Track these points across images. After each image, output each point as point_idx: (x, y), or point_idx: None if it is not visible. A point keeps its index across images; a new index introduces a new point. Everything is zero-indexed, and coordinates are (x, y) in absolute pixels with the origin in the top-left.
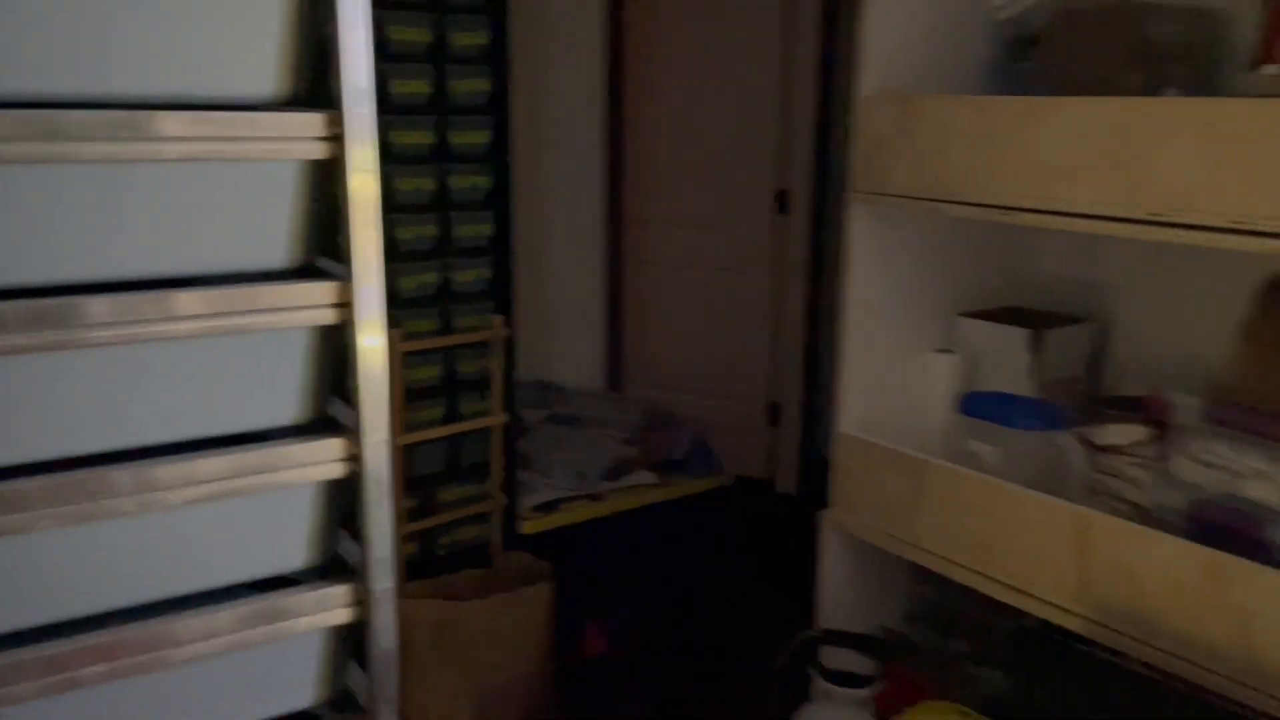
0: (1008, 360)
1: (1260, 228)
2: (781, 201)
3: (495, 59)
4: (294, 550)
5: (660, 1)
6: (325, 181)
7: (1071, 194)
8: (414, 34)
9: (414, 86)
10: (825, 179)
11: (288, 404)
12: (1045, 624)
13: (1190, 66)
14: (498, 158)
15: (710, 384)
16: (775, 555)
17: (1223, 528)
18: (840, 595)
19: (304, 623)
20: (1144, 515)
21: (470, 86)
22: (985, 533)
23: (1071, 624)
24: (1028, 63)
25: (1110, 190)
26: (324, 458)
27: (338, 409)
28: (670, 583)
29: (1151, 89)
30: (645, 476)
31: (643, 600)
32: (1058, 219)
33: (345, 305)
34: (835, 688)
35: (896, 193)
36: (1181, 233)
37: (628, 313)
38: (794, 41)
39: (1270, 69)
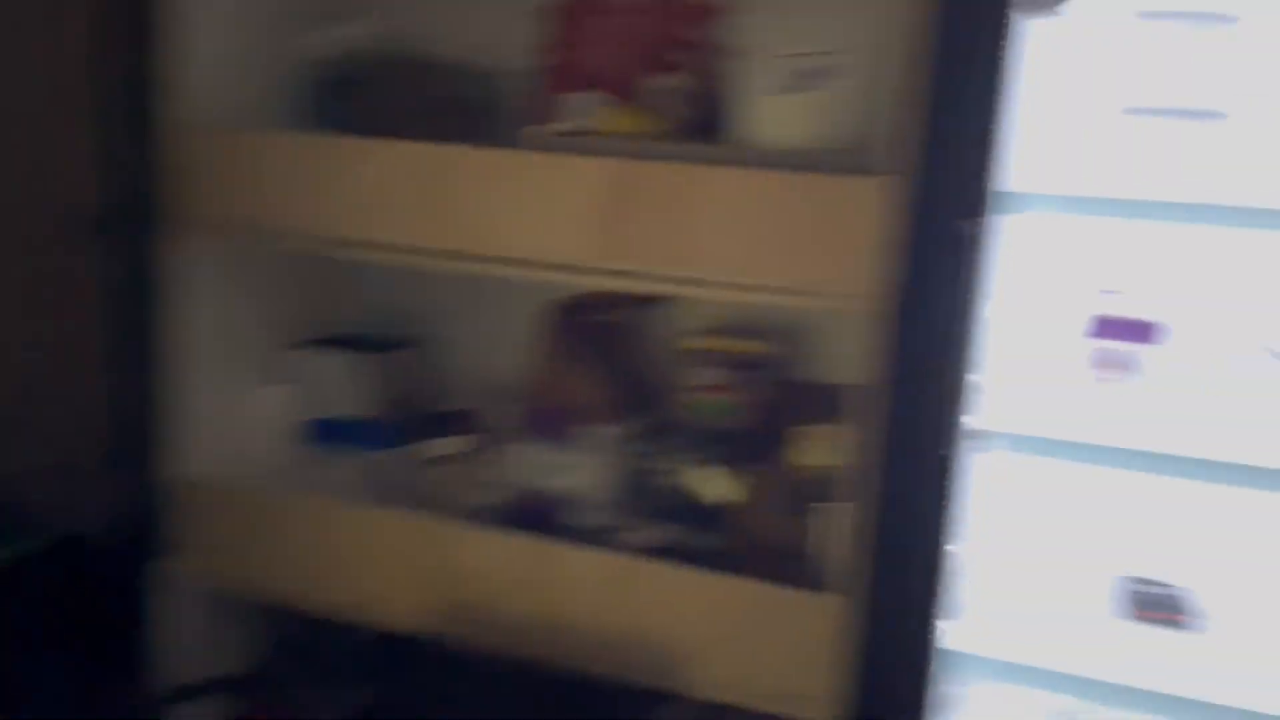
0: (347, 385)
1: (542, 260)
2: (102, 228)
3: None
4: None
5: None
6: None
7: (390, 229)
8: None
9: None
10: (149, 207)
11: None
12: (404, 634)
13: (482, 120)
14: None
15: (16, 436)
16: (107, 616)
17: (537, 517)
18: (187, 648)
19: None
20: (475, 516)
21: None
22: (339, 557)
23: (412, 626)
24: (349, 103)
25: (421, 226)
26: None
27: None
28: None
29: (453, 136)
30: None
31: None
32: (379, 252)
33: None
34: None
35: (221, 226)
36: (480, 265)
37: None
38: (110, 57)
39: (544, 127)
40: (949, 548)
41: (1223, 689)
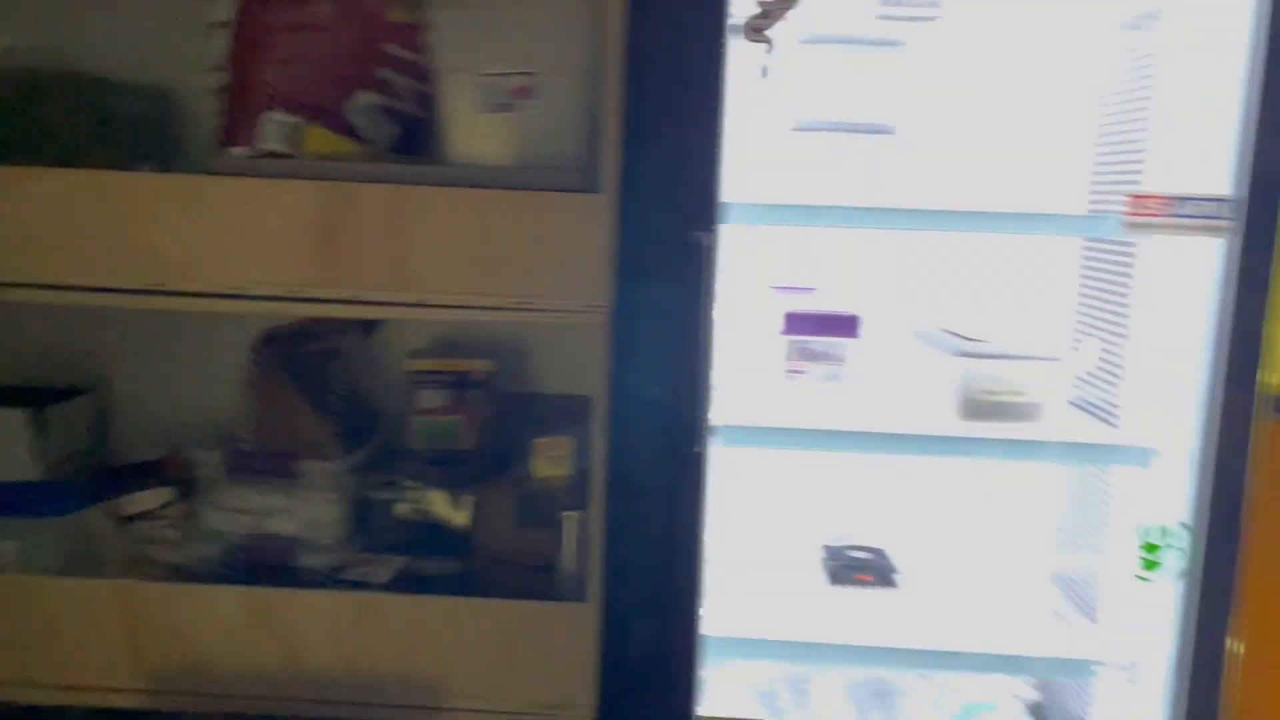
0: (6, 444)
1: (250, 291)
2: None
3: None
4: None
5: None
6: None
7: (61, 267)
8: None
9: None
10: None
11: None
12: (121, 711)
13: (159, 142)
14: None
15: None
16: None
17: (260, 565)
18: None
19: None
20: (185, 573)
21: None
22: (20, 637)
23: (131, 702)
24: None
25: (104, 262)
26: None
27: None
28: None
29: (123, 162)
30: None
31: None
32: (47, 293)
33: None
34: None
35: None
36: (182, 300)
37: None
38: None
39: (238, 150)
40: (701, 540)
41: (919, 635)
